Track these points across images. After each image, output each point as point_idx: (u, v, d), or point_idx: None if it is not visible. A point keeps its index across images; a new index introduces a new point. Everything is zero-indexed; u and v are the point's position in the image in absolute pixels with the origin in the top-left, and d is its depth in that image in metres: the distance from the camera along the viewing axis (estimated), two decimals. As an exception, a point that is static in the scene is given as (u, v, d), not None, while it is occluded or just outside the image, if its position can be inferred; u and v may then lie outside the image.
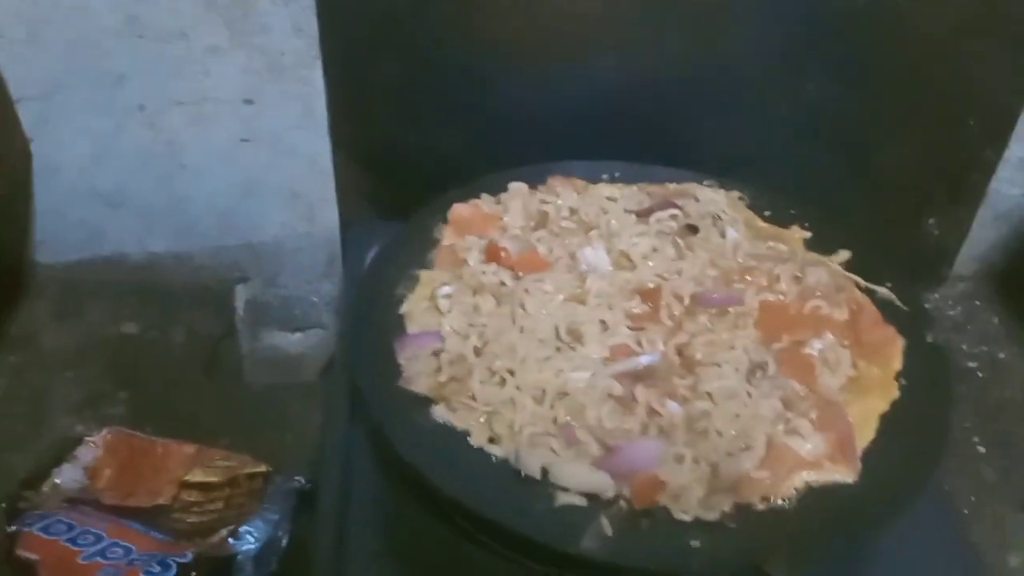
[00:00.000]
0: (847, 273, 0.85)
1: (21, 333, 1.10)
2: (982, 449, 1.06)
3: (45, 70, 1.01)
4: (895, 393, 0.74)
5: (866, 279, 0.85)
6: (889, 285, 0.84)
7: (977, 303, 1.25)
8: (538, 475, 0.66)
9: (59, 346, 1.10)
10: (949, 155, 1.17)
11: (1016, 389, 1.13)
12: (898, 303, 0.82)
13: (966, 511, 0.97)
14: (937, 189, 1.20)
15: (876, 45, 1.08)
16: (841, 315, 0.79)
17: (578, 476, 0.65)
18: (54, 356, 1.08)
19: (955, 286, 1.27)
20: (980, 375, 1.15)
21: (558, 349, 0.74)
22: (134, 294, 1.16)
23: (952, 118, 1.14)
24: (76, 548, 0.84)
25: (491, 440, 0.69)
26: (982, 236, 1.24)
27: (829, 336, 0.77)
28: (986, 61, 1.10)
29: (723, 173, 0.99)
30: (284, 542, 0.89)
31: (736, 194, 0.95)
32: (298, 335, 1.26)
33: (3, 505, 0.87)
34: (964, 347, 1.18)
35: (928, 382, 0.75)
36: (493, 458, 0.68)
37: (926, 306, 1.22)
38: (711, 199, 0.92)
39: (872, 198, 1.18)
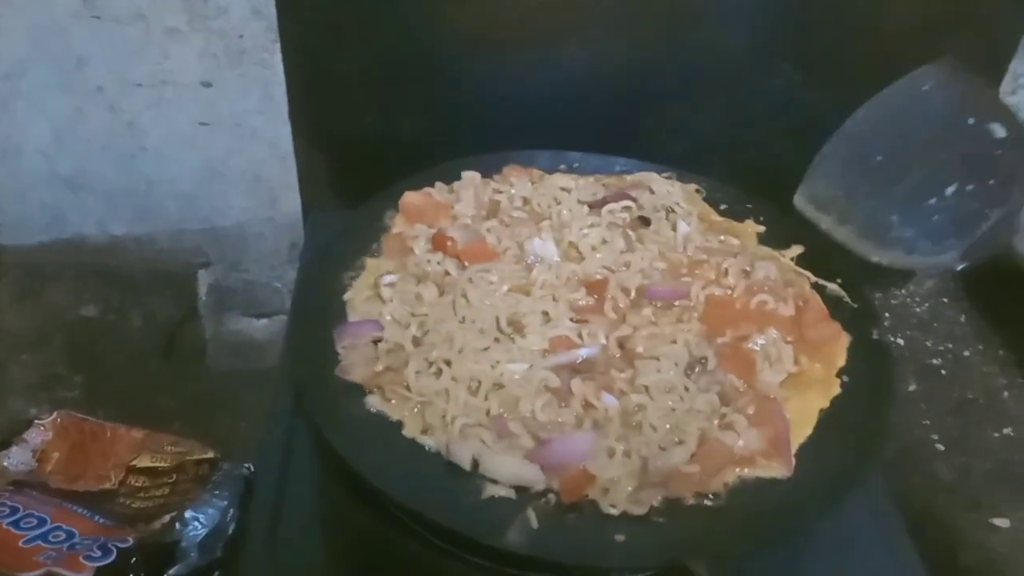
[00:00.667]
0: (797, 268, 0.84)
1: (-20, 315, 1.10)
2: (940, 447, 1.05)
3: (4, 53, 1.01)
4: (836, 389, 0.74)
5: (818, 275, 0.84)
6: (839, 281, 0.83)
7: (944, 300, 1.24)
8: (468, 466, 0.65)
9: (18, 328, 1.09)
10: (918, 151, 1.16)
11: (979, 388, 1.12)
12: (847, 299, 0.82)
13: (918, 508, 0.97)
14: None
15: (845, 38, 1.07)
16: (787, 311, 0.78)
17: (508, 468, 0.65)
18: (12, 338, 1.08)
19: (922, 283, 1.26)
20: (943, 373, 1.14)
21: (497, 340, 0.73)
22: (94, 277, 1.16)
23: (922, 113, 1.13)
24: (18, 532, 0.83)
25: (424, 431, 0.68)
26: (951, 233, 1.23)
27: (773, 332, 0.76)
28: (957, 55, 1.09)
29: (690, 167, 0.98)
30: (231, 529, 0.89)
31: (693, 187, 0.94)
32: (263, 321, 1.26)
33: (-51, 487, 0.87)
34: (928, 344, 1.18)
35: (871, 379, 0.74)
36: (425, 449, 0.67)
37: (892, 302, 1.22)
38: (666, 191, 0.91)
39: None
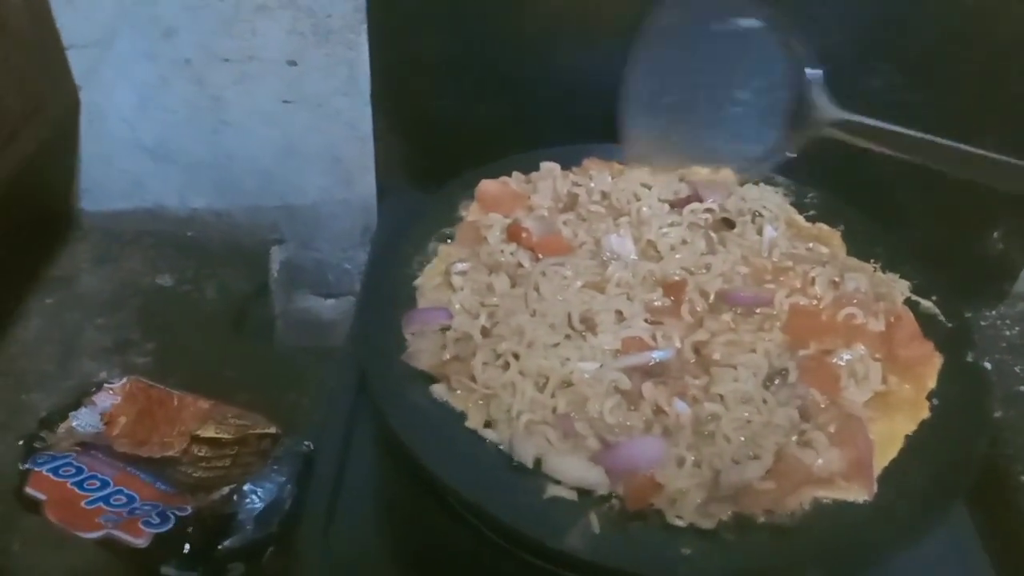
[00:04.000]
0: (891, 280, 0.79)
1: (60, 276, 1.13)
2: (1025, 480, 0.99)
3: (96, 18, 1.02)
4: (925, 413, 0.69)
5: (912, 290, 0.80)
6: (935, 298, 0.79)
7: (1037, 324, 1.17)
8: (530, 464, 0.63)
9: (94, 292, 1.12)
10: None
11: (1070, 420, 1.06)
12: (941, 317, 0.77)
13: (998, 545, 0.91)
14: (1005, 200, 1.12)
15: (951, 41, 1.01)
16: (876, 326, 0.74)
17: (571, 469, 0.63)
18: (88, 301, 1.10)
19: (1015, 305, 1.19)
20: (1033, 402, 1.08)
21: (568, 337, 0.71)
22: (172, 247, 1.17)
23: (1025, 123, 1.07)
24: (82, 492, 0.84)
25: (487, 424, 0.66)
26: (1050, 253, 1.17)
27: (860, 347, 0.72)
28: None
29: (780, 170, 0.94)
30: (288, 504, 0.89)
31: (781, 190, 0.90)
32: (331, 301, 1.26)
33: (21, 442, 0.88)
34: (1017, 370, 1.11)
35: (963, 404, 0.70)
36: (487, 442, 0.66)
37: (982, 324, 1.16)
38: (752, 195, 0.87)
39: (934, 204, 1.11)
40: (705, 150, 0.87)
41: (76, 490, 0.85)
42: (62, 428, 0.93)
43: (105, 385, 0.97)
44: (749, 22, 0.83)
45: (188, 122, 1.09)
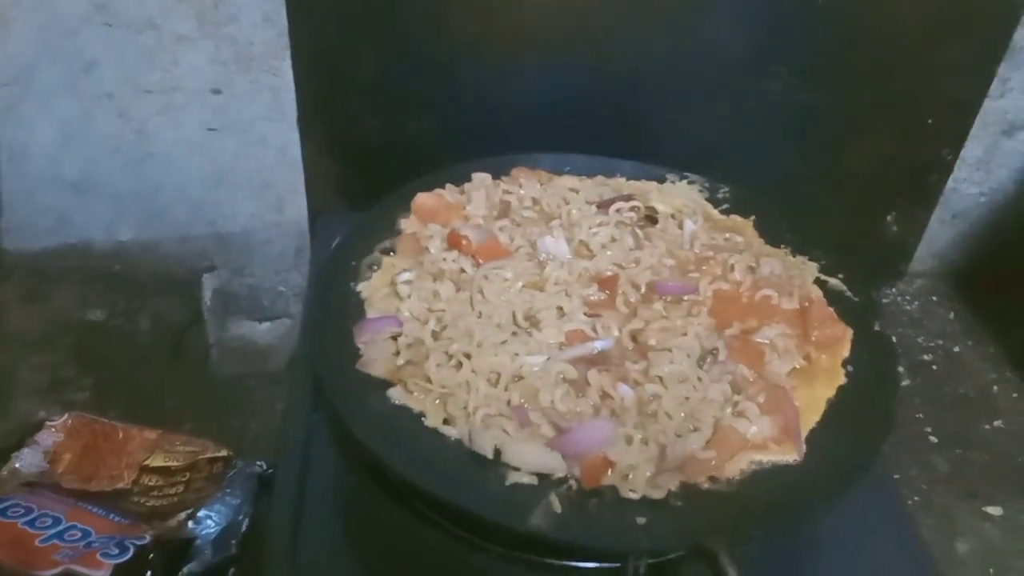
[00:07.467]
0: (801, 262, 0.86)
1: (-14, 318, 1.10)
2: (934, 440, 1.08)
3: (13, 55, 1.02)
4: (842, 379, 0.76)
5: (820, 271, 0.87)
6: (841, 276, 0.86)
7: (933, 299, 1.28)
8: (490, 455, 0.67)
9: (24, 331, 1.10)
10: (909, 153, 1.20)
11: (970, 383, 1.16)
12: (848, 293, 0.84)
13: (916, 498, 1.00)
14: (897, 187, 1.23)
15: (841, 44, 1.11)
16: (791, 304, 0.80)
17: (529, 456, 0.66)
18: (19, 341, 1.08)
19: (913, 282, 1.30)
20: (935, 368, 1.17)
21: (514, 334, 0.75)
22: (101, 281, 1.16)
23: (913, 117, 1.17)
24: (34, 531, 0.84)
25: (445, 421, 0.70)
26: (940, 234, 1.27)
27: (779, 325, 0.78)
28: (947, 62, 1.13)
29: (690, 168, 1.00)
30: (244, 526, 0.90)
31: (696, 187, 0.96)
32: (266, 325, 1.27)
33: (-38, 488, 0.87)
34: (920, 341, 1.21)
35: (874, 369, 0.77)
36: (447, 439, 0.69)
37: (883, 301, 1.26)
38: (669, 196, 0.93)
39: (834, 194, 1.21)
40: None
41: (28, 529, 0.84)
42: (5, 470, 0.92)
43: (46, 423, 0.96)
44: None
45: (112, 155, 1.09)
